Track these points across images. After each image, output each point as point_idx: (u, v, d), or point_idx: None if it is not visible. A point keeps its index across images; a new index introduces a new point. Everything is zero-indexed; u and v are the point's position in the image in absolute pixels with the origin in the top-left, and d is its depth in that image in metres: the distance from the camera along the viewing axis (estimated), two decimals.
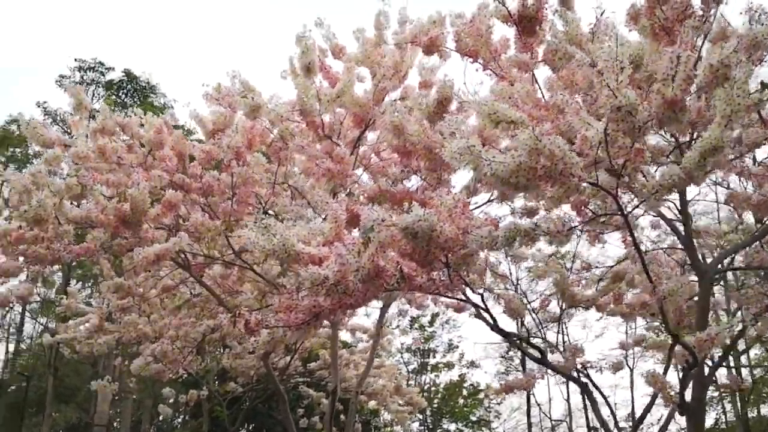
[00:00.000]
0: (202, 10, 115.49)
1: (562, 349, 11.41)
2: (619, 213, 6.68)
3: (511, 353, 48.77)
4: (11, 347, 39.72)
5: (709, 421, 37.15)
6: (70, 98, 12.22)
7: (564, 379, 43.65)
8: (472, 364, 49.97)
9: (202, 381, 21.84)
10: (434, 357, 49.82)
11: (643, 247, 11.24)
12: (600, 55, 6.09)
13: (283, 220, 9.41)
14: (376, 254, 6.65)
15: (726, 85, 5.90)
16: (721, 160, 7.53)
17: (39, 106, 35.07)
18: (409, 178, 10.37)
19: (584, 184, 6.17)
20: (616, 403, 46.68)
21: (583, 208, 6.96)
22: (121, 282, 14.50)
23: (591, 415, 43.54)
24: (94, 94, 35.27)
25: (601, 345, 59.77)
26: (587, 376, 10.63)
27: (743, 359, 30.67)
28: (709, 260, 11.33)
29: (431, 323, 48.34)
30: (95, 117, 12.21)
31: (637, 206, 7.17)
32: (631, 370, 29.34)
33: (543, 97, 8.21)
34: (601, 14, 7.90)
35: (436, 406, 45.70)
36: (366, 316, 28.04)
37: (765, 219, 10.07)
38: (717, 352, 11.50)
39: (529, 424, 45.07)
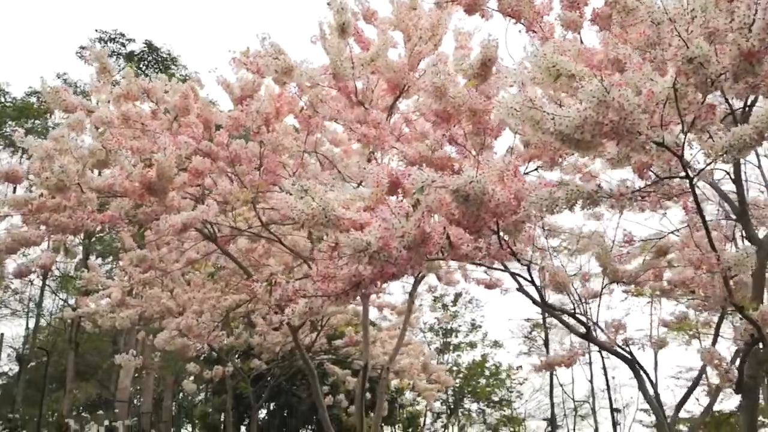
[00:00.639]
0: None
1: (602, 325, 11.00)
2: (685, 176, 6.22)
3: (534, 333, 48.58)
4: (31, 323, 39.61)
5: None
6: (93, 63, 11.85)
7: (588, 360, 43.58)
8: (496, 344, 49.79)
9: (226, 357, 21.58)
10: (456, 337, 49.64)
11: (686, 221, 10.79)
12: (668, 3, 5.65)
13: None
14: (423, 219, 6.21)
15: None
16: None
17: (59, 77, 34.78)
18: (448, 144, 9.95)
19: (649, 144, 5.71)
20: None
21: (646, 170, 6.51)
22: (144, 254, 14.19)
23: (614, 395, 43.48)
24: (115, 66, 34.83)
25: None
26: (630, 353, 10.22)
27: None
28: (760, 233, 10.85)
29: (455, 302, 48.10)
30: (118, 85, 11.86)
31: (704, 168, 6.70)
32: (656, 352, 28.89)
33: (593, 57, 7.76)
34: None
35: (458, 385, 45.45)
36: (389, 294, 27.73)
37: None
38: None
39: (552, 405, 44.86)
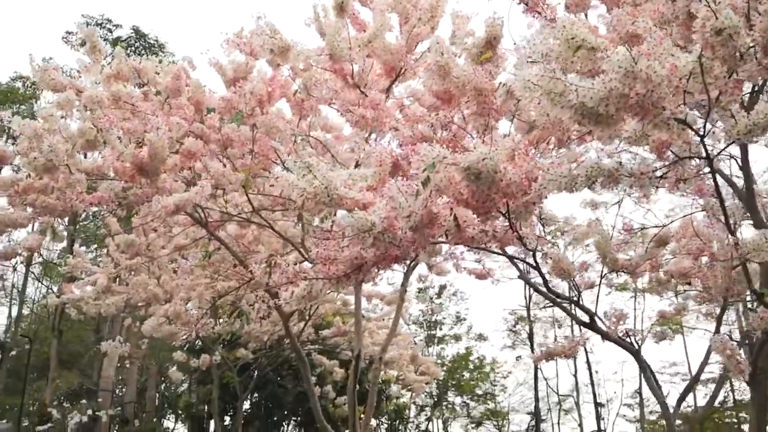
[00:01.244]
0: None
1: (601, 315, 10.81)
2: (704, 156, 5.99)
3: (518, 326, 48.56)
4: (14, 311, 39.26)
5: None
6: (78, 48, 11.61)
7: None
8: (481, 337, 49.81)
9: (212, 346, 21.31)
10: (441, 329, 49.61)
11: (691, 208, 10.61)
12: None
13: None
14: (430, 198, 5.96)
15: None
16: None
17: (45, 62, 34.26)
18: (443, 130, 9.72)
19: (672, 121, 5.46)
20: (623, 378, 46.66)
21: (665, 150, 6.26)
22: (132, 238, 13.91)
23: (597, 390, 43.46)
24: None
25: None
26: (630, 344, 10.02)
27: None
28: None
29: (439, 294, 48.06)
30: (109, 66, 11.61)
31: (725, 148, 6.48)
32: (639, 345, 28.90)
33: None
34: None
35: (442, 378, 45.40)
36: (375, 284, 27.59)
37: None
38: None
39: (537, 399, 44.85)
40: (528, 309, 44.60)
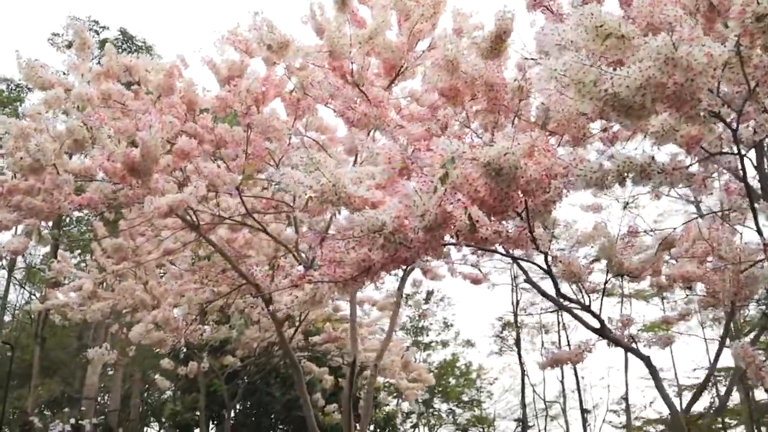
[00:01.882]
0: None
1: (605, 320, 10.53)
2: (736, 153, 5.69)
3: (505, 332, 48.33)
4: None
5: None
6: (64, 49, 11.29)
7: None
8: (468, 343, 49.62)
9: (198, 353, 20.90)
10: (427, 335, 49.40)
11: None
12: None
13: None
14: (445, 197, 5.62)
15: None
16: None
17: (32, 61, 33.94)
18: (442, 132, 9.44)
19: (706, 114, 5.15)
20: (609, 385, 46.51)
21: (695, 145, 5.95)
22: (120, 242, 13.56)
23: (584, 396, 43.28)
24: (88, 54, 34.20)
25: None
26: (637, 350, 9.75)
27: None
28: None
29: (426, 300, 47.82)
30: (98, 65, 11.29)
31: (759, 142, 6.19)
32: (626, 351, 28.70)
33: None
34: None
35: (427, 385, 45.09)
36: (376, 288, 27.31)
37: None
38: None
39: (524, 405, 44.63)
40: (515, 315, 44.40)
